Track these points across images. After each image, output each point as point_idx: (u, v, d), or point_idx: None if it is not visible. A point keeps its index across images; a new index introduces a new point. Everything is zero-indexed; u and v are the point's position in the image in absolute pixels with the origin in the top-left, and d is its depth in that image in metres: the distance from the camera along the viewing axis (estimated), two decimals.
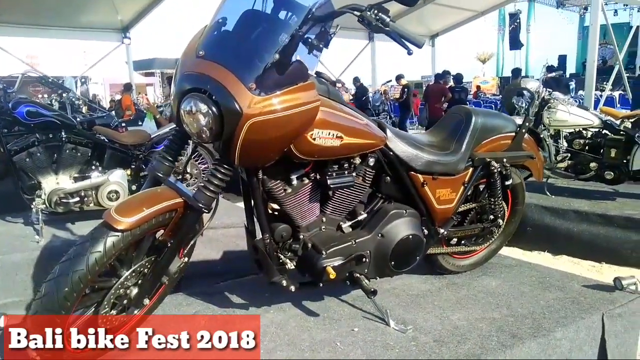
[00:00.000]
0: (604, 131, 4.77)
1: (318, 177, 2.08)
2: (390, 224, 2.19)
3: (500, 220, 2.62)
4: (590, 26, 10.47)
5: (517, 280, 2.68)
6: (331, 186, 2.04)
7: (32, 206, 3.61)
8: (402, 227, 2.21)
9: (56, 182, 3.71)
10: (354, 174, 2.11)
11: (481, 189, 2.64)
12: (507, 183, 2.53)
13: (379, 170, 2.23)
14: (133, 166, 4.02)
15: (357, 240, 2.15)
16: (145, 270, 1.88)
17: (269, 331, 2.20)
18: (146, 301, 1.90)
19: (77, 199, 3.74)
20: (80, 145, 3.82)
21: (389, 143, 2.17)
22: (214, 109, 1.69)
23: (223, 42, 1.79)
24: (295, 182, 2.04)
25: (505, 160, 2.49)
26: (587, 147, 4.82)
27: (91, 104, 10.94)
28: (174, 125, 4.29)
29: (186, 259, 1.96)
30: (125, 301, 1.87)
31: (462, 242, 2.65)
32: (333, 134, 1.92)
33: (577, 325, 2.19)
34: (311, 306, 2.43)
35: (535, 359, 2.02)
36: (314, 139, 1.88)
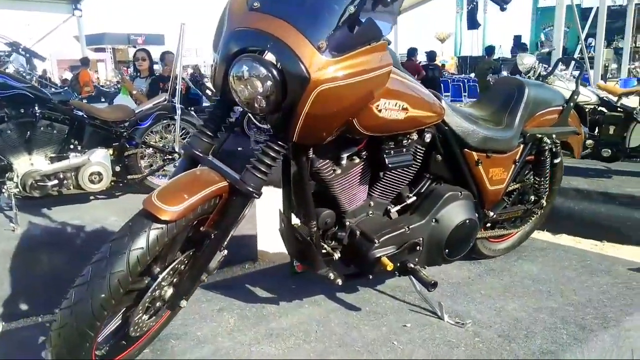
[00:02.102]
0: (601, 108, 4.71)
1: (372, 156, 1.82)
2: (446, 207, 1.96)
3: (543, 201, 2.44)
4: (556, 6, 10.53)
5: (558, 264, 2.52)
6: (389, 166, 1.78)
7: (3, 190, 3.19)
8: (458, 211, 1.98)
9: (30, 163, 3.29)
10: (411, 152, 1.86)
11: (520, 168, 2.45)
12: (555, 161, 2.34)
13: (430, 148, 1.99)
14: (116, 144, 3.63)
15: (410, 227, 1.91)
16: (183, 267, 1.58)
17: (311, 329, 1.95)
18: (183, 303, 1.59)
19: (55, 181, 3.34)
20: (56, 122, 3.40)
21: (445, 117, 1.92)
22: (274, 72, 1.39)
23: None
24: (345, 161, 1.78)
25: (554, 136, 2.30)
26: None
27: (42, 80, 10.17)
28: (160, 100, 3.96)
29: (225, 251, 1.66)
30: (158, 303, 1.57)
31: (501, 224, 2.46)
32: (399, 105, 1.66)
33: None
34: (348, 299, 2.19)
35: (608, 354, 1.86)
36: (380, 111, 1.61)
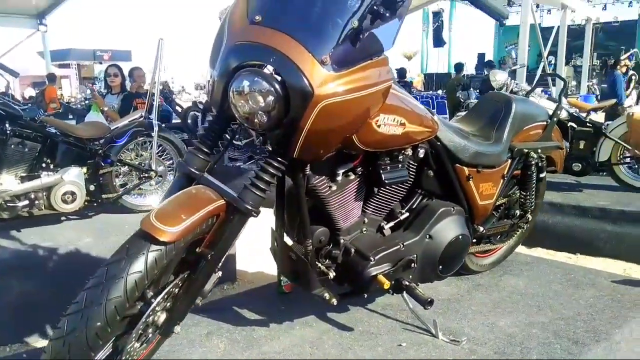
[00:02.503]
0: (571, 123, 4.83)
1: (367, 172, 1.80)
2: (439, 223, 1.96)
3: (529, 216, 2.47)
4: (521, 25, 10.87)
5: (543, 278, 2.54)
6: (386, 182, 1.76)
7: None
8: (451, 226, 1.98)
9: None
10: (406, 168, 1.85)
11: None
12: (541, 175, 2.37)
13: (421, 163, 1.98)
14: (90, 163, 3.51)
15: (405, 243, 1.89)
16: (177, 290, 1.51)
17: (305, 352, 1.90)
18: (177, 328, 1.53)
19: (26, 202, 3.20)
20: (28, 139, 3.27)
21: (438, 132, 1.92)
22: (277, 87, 1.36)
23: (284, 3, 1.45)
24: (340, 178, 1.75)
25: (540, 150, 2.34)
26: None
27: (2, 97, 9.83)
28: (136, 117, 3.87)
29: (220, 272, 1.61)
30: (150, 330, 1.50)
31: (487, 239, 2.47)
32: (397, 121, 1.65)
33: (630, 326, 2.06)
34: (339, 319, 2.14)
35: None
36: (379, 126, 1.60)
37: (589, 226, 4.26)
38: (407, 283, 1.88)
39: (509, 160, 2.25)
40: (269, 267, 2.87)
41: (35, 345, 2.81)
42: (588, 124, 4.73)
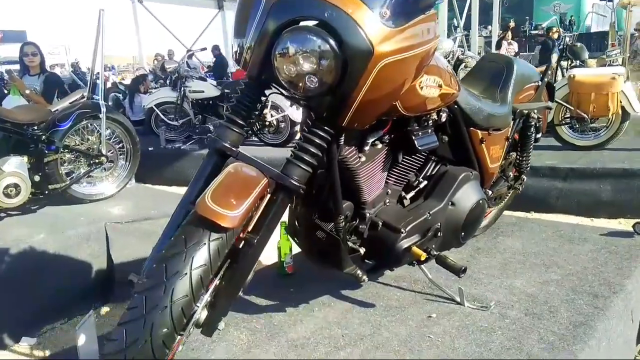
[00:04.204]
0: None
1: (393, 140, 1.69)
2: (461, 189, 1.89)
3: (524, 177, 2.48)
4: None
5: (537, 237, 2.58)
6: (420, 148, 1.67)
7: None
8: (471, 192, 1.92)
9: None
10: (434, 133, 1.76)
11: None
12: (538, 136, 2.38)
13: (438, 128, 1.89)
14: (32, 150, 3.11)
15: (431, 212, 1.81)
16: (218, 282, 1.33)
17: (337, 334, 1.78)
18: (222, 324, 1.35)
19: None
20: None
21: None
22: (335, 46, 1.20)
23: None
24: (368, 147, 1.63)
25: (536, 111, 2.33)
26: None
27: None
28: (77, 97, 3.47)
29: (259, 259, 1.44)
30: (192, 329, 1.31)
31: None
32: (436, 82, 1.55)
33: (635, 276, 2.13)
34: (356, 296, 2.04)
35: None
36: (422, 88, 1.49)
37: (540, 185, 4.46)
38: (435, 253, 1.81)
39: (511, 122, 2.23)
40: None
41: None
42: None
